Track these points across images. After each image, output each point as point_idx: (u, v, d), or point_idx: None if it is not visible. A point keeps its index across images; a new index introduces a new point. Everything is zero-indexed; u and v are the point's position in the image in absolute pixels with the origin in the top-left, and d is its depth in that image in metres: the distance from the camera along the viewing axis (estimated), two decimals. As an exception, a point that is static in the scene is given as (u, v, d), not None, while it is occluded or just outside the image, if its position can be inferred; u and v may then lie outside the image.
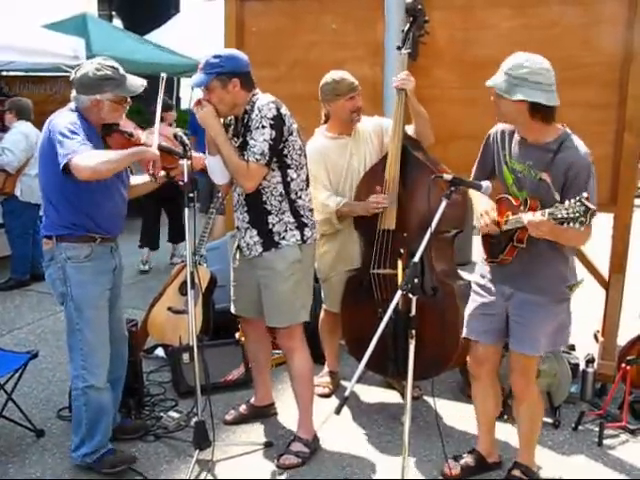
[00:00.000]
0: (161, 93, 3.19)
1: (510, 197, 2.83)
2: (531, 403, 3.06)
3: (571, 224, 2.42)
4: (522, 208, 2.71)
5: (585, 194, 2.41)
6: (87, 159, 2.80)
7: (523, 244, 2.75)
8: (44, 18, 8.82)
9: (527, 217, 2.61)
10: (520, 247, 2.77)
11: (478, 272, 3.08)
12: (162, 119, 6.55)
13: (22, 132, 5.86)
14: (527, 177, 2.79)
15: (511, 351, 2.98)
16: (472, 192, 3.00)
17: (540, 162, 2.74)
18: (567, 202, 2.44)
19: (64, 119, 2.96)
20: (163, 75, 3.22)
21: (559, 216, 2.45)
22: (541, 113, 2.68)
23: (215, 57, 3.09)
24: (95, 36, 8.46)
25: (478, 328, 3.03)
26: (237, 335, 4.38)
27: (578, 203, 2.39)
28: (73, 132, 2.89)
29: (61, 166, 2.83)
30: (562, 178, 2.68)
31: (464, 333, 3.10)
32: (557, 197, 2.67)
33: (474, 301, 3.06)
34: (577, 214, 2.39)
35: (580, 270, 3.87)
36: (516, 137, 2.85)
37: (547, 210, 2.52)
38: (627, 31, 3.76)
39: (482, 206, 2.89)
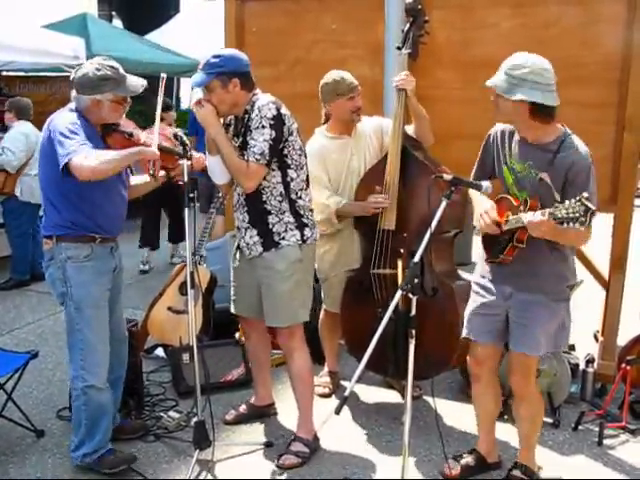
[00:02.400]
0: (161, 93, 3.19)
1: (510, 197, 2.82)
2: (531, 403, 3.05)
3: (571, 224, 2.41)
4: (522, 208, 2.71)
5: (585, 194, 2.40)
6: (87, 159, 2.80)
7: (523, 244, 2.75)
8: (44, 18, 8.82)
9: (527, 217, 2.61)
10: (520, 247, 2.76)
11: (478, 272, 3.07)
12: (162, 119, 6.57)
13: (22, 132, 5.86)
14: (527, 177, 2.79)
15: (511, 351, 2.97)
16: (472, 192, 3.00)
17: (540, 162, 2.74)
18: (567, 202, 2.44)
19: (64, 119, 2.96)
20: (163, 75, 3.22)
21: (559, 216, 2.44)
22: (541, 113, 2.68)
23: (215, 57, 3.09)
24: (95, 36, 8.47)
25: (478, 328, 3.03)
26: (237, 335, 4.39)
27: (578, 203, 2.38)
28: (73, 132, 2.89)
29: (61, 166, 2.83)
30: (562, 178, 2.68)
31: (464, 333, 3.10)
32: (557, 197, 2.67)
33: (474, 301, 3.06)
34: (577, 214, 2.38)
35: (580, 270, 3.87)
36: (516, 137, 2.85)
37: (547, 210, 2.51)
38: (626, 31, 3.75)
39: (482, 206, 2.88)
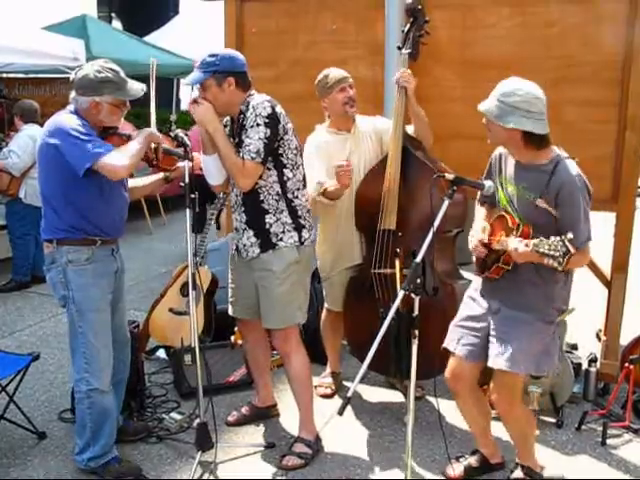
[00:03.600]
0: (153, 78, 3.18)
1: (508, 216, 2.78)
2: (516, 421, 3.01)
3: (550, 261, 2.42)
4: (515, 233, 2.68)
5: (570, 235, 2.41)
6: (116, 158, 2.86)
7: (509, 266, 2.73)
8: (44, 20, 8.82)
9: (512, 244, 2.60)
10: (506, 268, 2.75)
11: (472, 285, 3.06)
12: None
13: (29, 135, 5.85)
14: (520, 199, 2.77)
15: (494, 372, 2.89)
16: (476, 211, 3.01)
17: (535, 184, 2.71)
18: (552, 239, 2.44)
19: (68, 121, 2.95)
20: (153, 60, 3.20)
21: (541, 251, 2.45)
22: (533, 140, 2.67)
23: (211, 56, 3.09)
24: (95, 38, 8.47)
25: (460, 340, 2.97)
26: (232, 338, 4.37)
27: (561, 243, 2.40)
28: (85, 133, 2.89)
29: (85, 167, 2.83)
30: (554, 200, 2.66)
31: (445, 343, 3.04)
32: (551, 220, 2.66)
33: (461, 312, 3.04)
34: (557, 253, 2.40)
35: (582, 269, 3.87)
36: (511, 159, 2.83)
37: (532, 241, 2.51)
38: (628, 29, 3.75)
39: (475, 227, 2.89)
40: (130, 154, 2.91)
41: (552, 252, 2.41)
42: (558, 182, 2.65)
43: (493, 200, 2.94)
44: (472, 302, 2.99)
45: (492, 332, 2.87)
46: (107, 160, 2.83)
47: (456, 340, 2.99)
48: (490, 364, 2.85)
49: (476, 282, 3.02)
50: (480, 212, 3.02)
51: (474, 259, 2.95)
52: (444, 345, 3.05)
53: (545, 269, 2.69)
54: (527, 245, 2.52)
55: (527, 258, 2.57)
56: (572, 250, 2.38)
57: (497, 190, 2.88)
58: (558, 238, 2.42)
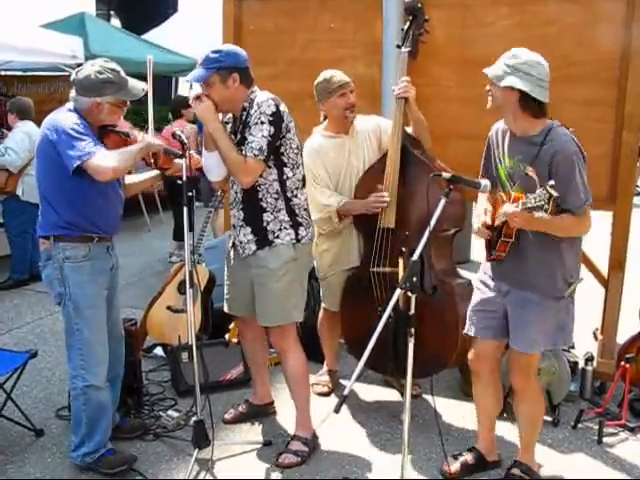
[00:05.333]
0: (150, 76, 3.18)
1: (503, 194, 2.84)
2: (532, 401, 3.06)
3: (539, 212, 2.46)
4: (508, 202, 2.71)
5: (552, 182, 2.44)
6: (106, 160, 2.85)
7: (512, 238, 2.76)
8: (42, 17, 8.80)
9: (505, 209, 2.65)
10: (510, 241, 2.77)
11: (481, 269, 3.08)
12: (181, 115, 6.51)
13: (25, 132, 5.86)
14: (516, 171, 2.81)
15: (509, 349, 2.98)
16: (478, 198, 3.03)
17: (527, 156, 2.75)
18: (537, 190, 2.47)
19: (66, 119, 2.95)
20: (150, 57, 3.20)
21: (529, 205, 2.49)
22: (530, 105, 2.70)
23: (215, 52, 3.09)
24: (93, 36, 8.45)
25: (478, 324, 3.03)
26: (227, 336, 4.38)
27: (544, 191, 2.42)
28: (81, 133, 2.90)
29: (73, 167, 2.84)
30: (546, 170, 2.68)
31: (465, 329, 3.10)
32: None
33: (475, 297, 3.08)
34: (542, 202, 2.42)
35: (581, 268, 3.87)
36: (508, 133, 2.87)
37: (520, 201, 2.56)
38: (625, 29, 3.75)
39: (478, 209, 2.92)
40: (120, 158, 2.90)
41: (537, 203, 2.45)
42: (550, 151, 2.68)
43: (494, 178, 2.95)
44: (483, 286, 3.03)
45: (509, 314, 2.93)
46: (95, 161, 2.83)
47: (475, 325, 3.05)
48: (510, 345, 2.95)
49: (484, 266, 3.05)
50: (482, 196, 3.03)
51: (484, 245, 2.98)
52: (464, 332, 3.11)
53: (547, 243, 2.73)
54: (517, 205, 2.57)
55: (521, 218, 2.60)
56: (555, 194, 2.40)
57: (496, 166, 2.91)
58: (542, 189, 2.45)
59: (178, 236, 6.99)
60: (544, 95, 2.70)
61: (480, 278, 3.07)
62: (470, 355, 3.14)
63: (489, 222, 2.86)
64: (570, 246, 2.83)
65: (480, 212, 2.93)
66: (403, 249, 3.49)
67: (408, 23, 3.73)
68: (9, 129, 6.18)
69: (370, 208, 3.59)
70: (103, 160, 2.85)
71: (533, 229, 2.70)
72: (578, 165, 2.66)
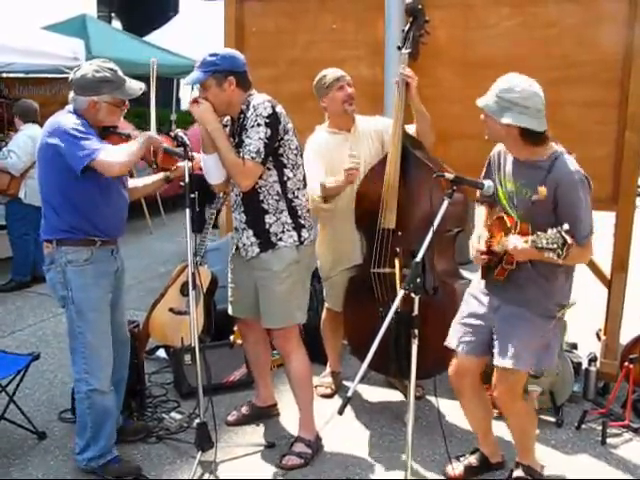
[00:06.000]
0: (153, 79, 3.18)
1: (505, 217, 2.79)
2: (518, 418, 3.02)
3: (550, 254, 2.42)
4: (513, 231, 2.69)
5: (566, 226, 2.40)
6: (113, 155, 2.87)
7: (512, 266, 2.73)
8: (43, 19, 8.83)
9: (512, 242, 2.60)
10: (510, 268, 2.74)
11: (474, 282, 3.06)
12: None
13: (28, 135, 5.85)
14: (518, 196, 2.77)
15: (495, 366, 2.91)
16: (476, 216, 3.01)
17: (532, 180, 2.71)
18: (549, 231, 2.43)
19: (67, 121, 2.95)
20: (153, 60, 3.21)
21: (539, 245, 2.44)
22: (530, 137, 2.67)
23: (212, 55, 3.09)
24: (94, 37, 8.47)
25: (461, 337, 2.99)
26: (231, 338, 4.37)
27: (558, 235, 2.39)
28: (84, 132, 2.91)
29: (82, 166, 2.85)
30: (552, 196, 2.66)
31: (447, 341, 3.05)
32: (552, 218, 2.65)
33: (462, 310, 3.04)
34: (555, 245, 2.39)
35: (582, 268, 3.86)
36: (510, 156, 2.84)
37: (530, 238, 2.51)
38: (628, 29, 3.74)
39: (475, 235, 2.89)
40: (127, 152, 2.93)
41: (550, 245, 2.41)
42: (556, 178, 2.65)
43: (492, 199, 2.95)
44: (473, 300, 3.00)
45: (495, 330, 2.89)
46: (103, 157, 2.85)
47: (458, 338, 3.01)
48: (495, 362, 2.87)
49: (477, 280, 3.02)
50: (480, 212, 3.02)
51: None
52: (446, 343, 3.05)
53: (544, 266, 2.71)
54: (526, 242, 2.52)
55: (527, 255, 2.58)
56: (569, 241, 2.37)
57: (496, 188, 2.89)
58: (555, 230, 2.41)
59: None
60: (543, 125, 2.66)
61: (471, 292, 3.04)
62: (450, 372, 3.07)
63: (483, 249, 2.80)
64: (566, 270, 2.81)
65: (475, 239, 2.87)
66: (397, 250, 3.48)
67: (408, 24, 3.73)
68: (16, 131, 6.18)
69: (347, 179, 3.47)
70: (109, 156, 2.87)
71: (537, 260, 2.65)
72: (583, 197, 2.64)
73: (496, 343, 2.87)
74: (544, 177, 2.67)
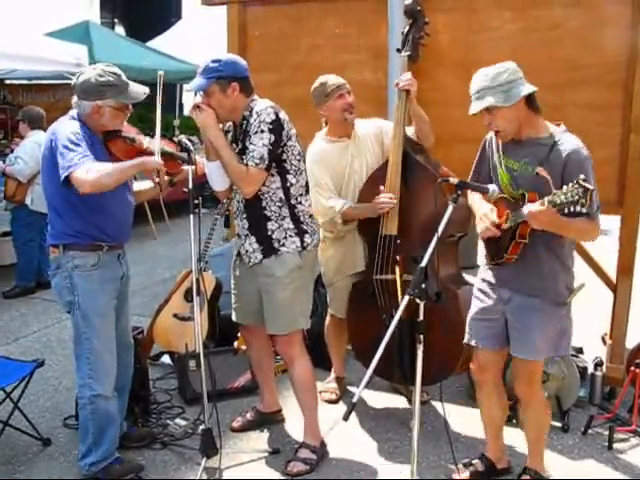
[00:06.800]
0: (159, 91, 3.18)
1: (507, 197, 2.80)
2: (537, 409, 3.03)
3: (572, 208, 2.37)
4: (521, 203, 2.68)
5: (582, 176, 2.37)
6: (88, 173, 2.79)
7: (526, 239, 2.71)
8: (47, 26, 8.85)
9: (527, 208, 2.57)
10: (523, 242, 2.73)
11: (479, 276, 3.06)
12: None
13: (35, 141, 5.85)
14: (524, 174, 2.77)
15: (513, 358, 2.95)
16: (470, 198, 2.99)
17: (536, 157, 2.73)
18: (565, 187, 2.41)
19: (66, 128, 2.95)
20: (160, 72, 3.20)
21: (558, 202, 2.41)
22: (533, 103, 2.72)
23: (214, 61, 3.09)
24: (98, 43, 8.50)
25: (479, 333, 3.00)
26: (236, 344, 4.36)
27: (576, 185, 2.35)
28: (75, 143, 2.87)
29: (62, 178, 2.83)
30: (559, 174, 2.65)
31: (465, 338, 3.07)
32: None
33: (474, 306, 3.04)
34: (577, 196, 2.35)
35: (587, 272, 3.85)
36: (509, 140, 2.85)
37: (546, 198, 2.48)
38: (631, 32, 3.72)
39: (481, 210, 2.87)
40: (103, 172, 2.81)
41: (570, 198, 2.36)
42: (563, 154, 2.66)
43: (490, 180, 2.93)
44: (482, 294, 3.00)
45: (509, 322, 2.90)
46: (77, 173, 2.79)
47: (475, 333, 3.02)
48: (512, 354, 2.92)
49: (482, 274, 3.02)
50: (474, 196, 2.98)
51: (485, 250, 2.95)
52: (464, 341, 3.07)
53: (548, 249, 2.71)
54: (542, 203, 2.49)
55: (545, 216, 2.50)
56: (590, 187, 2.32)
57: (494, 168, 2.89)
58: (570, 184, 2.37)
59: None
60: (531, 86, 2.71)
61: (479, 286, 3.03)
62: (472, 365, 3.11)
63: (496, 220, 2.78)
64: (569, 253, 2.85)
65: (485, 211, 2.83)
66: (397, 257, 3.47)
67: (408, 27, 3.73)
68: (21, 137, 6.19)
69: (377, 210, 3.55)
70: (83, 174, 2.78)
71: (552, 229, 2.62)
72: (591, 172, 2.64)
73: (513, 335, 2.89)
74: (547, 153, 2.68)
